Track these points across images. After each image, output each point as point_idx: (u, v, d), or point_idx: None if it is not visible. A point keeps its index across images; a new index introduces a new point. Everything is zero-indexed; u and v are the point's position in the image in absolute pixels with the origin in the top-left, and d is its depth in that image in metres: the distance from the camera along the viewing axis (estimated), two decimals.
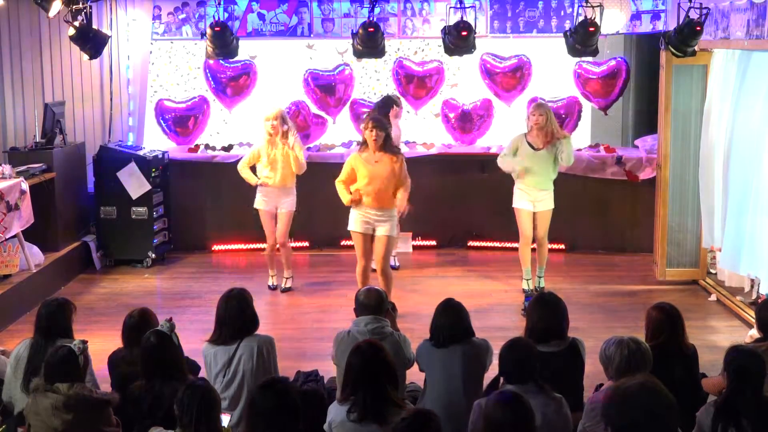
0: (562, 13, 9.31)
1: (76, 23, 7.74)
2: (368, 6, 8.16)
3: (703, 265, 8.44)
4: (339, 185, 7.30)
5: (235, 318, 4.93)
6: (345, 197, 7.22)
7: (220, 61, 9.27)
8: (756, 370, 4.07)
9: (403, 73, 9.85)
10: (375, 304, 5.05)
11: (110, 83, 9.50)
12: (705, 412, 4.11)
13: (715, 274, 8.48)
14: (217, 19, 8.16)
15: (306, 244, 9.79)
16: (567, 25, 9.03)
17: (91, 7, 7.90)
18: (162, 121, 9.90)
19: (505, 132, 9.95)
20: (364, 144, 7.26)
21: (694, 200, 8.33)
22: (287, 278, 8.42)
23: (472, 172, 9.73)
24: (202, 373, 5.09)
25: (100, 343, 5.97)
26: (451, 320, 4.88)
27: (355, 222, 7.25)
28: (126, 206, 8.99)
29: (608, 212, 9.66)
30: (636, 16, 9.18)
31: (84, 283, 8.66)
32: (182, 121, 9.90)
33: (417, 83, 9.85)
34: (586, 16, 7.78)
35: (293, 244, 9.71)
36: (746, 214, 7.52)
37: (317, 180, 9.64)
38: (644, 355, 4.32)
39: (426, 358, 4.91)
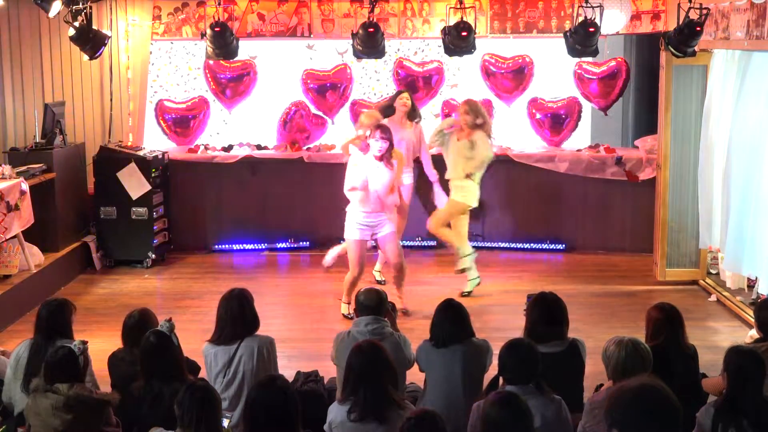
0: (562, 13, 9.31)
1: (76, 23, 7.75)
2: (368, 6, 8.16)
3: (703, 266, 8.44)
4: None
5: (236, 318, 4.94)
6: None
7: (221, 61, 9.27)
8: (756, 371, 4.07)
9: (404, 73, 9.85)
10: (375, 305, 5.05)
11: (110, 83, 9.50)
12: (705, 412, 4.11)
13: (716, 274, 8.48)
14: (217, 19, 8.17)
15: (306, 244, 9.79)
16: (567, 26, 9.04)
17: (91, 7, 7.91)
18: (162, 121, 9.90)
19: (505, 132, 9.97)
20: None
21: (694, 200, 8.33)
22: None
23: None
24: (203, 374, 5.10)
25: (100, 343, 5.96)
26: (451, 320, 4.88)
27: (353, 230, 7.27)
28: (126, 206, 8.98)
29: (608, 212, 9.66)
30: (636, 16, 9.18)
31: (84, 283, 8.66)
32: (182, 121, 9.90)
33: (417, 84, 9.84)
34: (586, 17, 7.79)
35: (293, 245, 9.74)
36: (748, 215, 7.52)
37: (317, 180, 9.67)
38: (642, 356, 4.32)
39: (426, 358, 4.91)
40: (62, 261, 8.54)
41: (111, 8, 9.30)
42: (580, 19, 7.85)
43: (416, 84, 9.85)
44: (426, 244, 9.77)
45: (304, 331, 7.29)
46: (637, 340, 4.38)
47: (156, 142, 9.81)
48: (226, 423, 4.19)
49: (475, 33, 8.03)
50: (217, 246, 9.73)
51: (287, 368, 5.53)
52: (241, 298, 5.01)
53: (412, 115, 8.29)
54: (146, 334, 4.65)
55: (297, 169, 9.58)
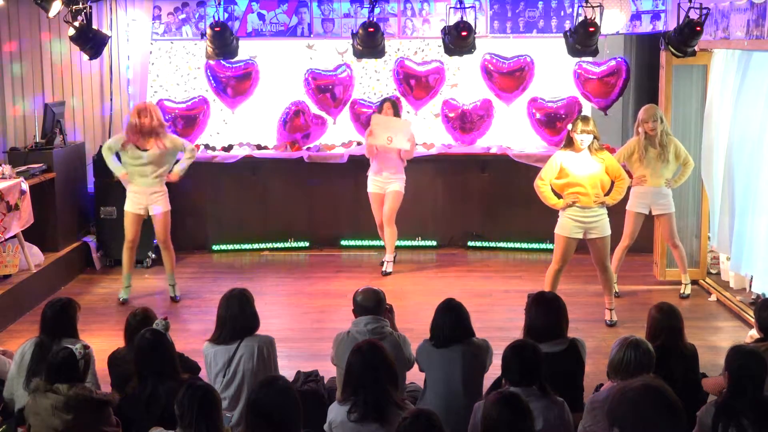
0: (562, 13, 9.31)
1: (76, 23, 7.76)
2: (368, 6, 8.16)
3: (703, 265, 8.44)
4: None
5: (236, 318, 4.94)
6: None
7: (222, 61, 9.27)
8: (756, 370, 4.08)
9: (404, 73, 9.85)
10: (374, 305, 5.04)
11: (110, 83, 9.50)
12: (706, 411, 4.12)
13: (717, 274, 8.48)
14: (217, 19, 8.17)
15: (306, 244, 9.79)
16: (567, 25, 9.04)
17: (91, 7, 7.91)
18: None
19: (505, 132, 9.98)
20: None
21: (694, 200, 8.33)
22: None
23: (472, 172, 9.74)
24: (203, 374, 5.10)
25: (100, 343, 5.98)
26: (451, 320, 4.88)
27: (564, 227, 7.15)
28: None
29: (608, 212, 9.63)
30: (636, 16, 9.18)
31: (84, 283, 8.66)
32: (182, 121, 9.88)
33: (418, 83, 9.84)
34: (586, 16, 7.79)
35: (294, 244, 9.74)
36: (748, 215, 7.53)
37: (317, 180, 9.68)
38: (644, 357, 4.31)
39: (426, 358, 4.90)
40: (62, 261, 8.53)
41: (111, 8, 9.30)
42: (580, 19, 7.86)
43: (414, 83, 9.84)
44: (425, 244, 9.77)
45: (304, 331, 7.29)
46: (640, 340, 4.39)
47: None
48: (226, 423, 4.19)
49: (475, 33, 8.03)
50: (217, 246, 9.73)
51: (287, 368, 5.54)
52: (242, 297, 5.01)
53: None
54: (141, 331, 4.66)
55: (297, 169, 9.58)
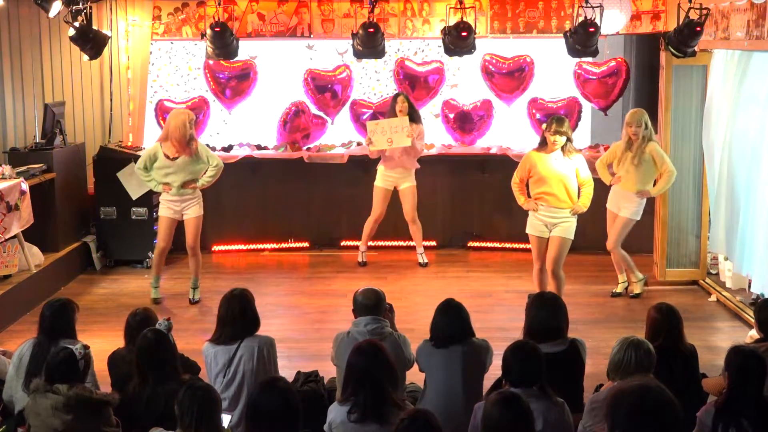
0: (562, 13, 9.31)
1: (76, 23, 7.76)
2: (368, 6, 8.16)
3: (703, 266, 8.45)
4: None
5: (237, 318, 4.94)
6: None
7: (221, 61, 9.27)
8: (756, 371, 4.08)
9: (404, 73, 9.84)
10: (374, 304, 5.04)
11: (110, 83, 9.50)
12: (706, 411, 4.12)
13: (716, 274, 8.49)
14: (216, 19, 8.17)
15: (306, 244, 9.79)
16: (567, 26, 9.04)
17: (91, 7, 7.91)
18: (162, 122, 9.88)
19: (505, 132, 9.98)
20: None
21: (694, 200, 8.34)
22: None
23: (472, 172, 9.74)
24: (203, 374, 5.10)
25: (100, 343, 5.98)
26: (451, 320, 4.88)
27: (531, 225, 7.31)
28: (126, 206, 8.99)
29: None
30: (636, 17, 9.18)
31: (84, 283, 8.66)
32: None
33: (418, 83, 9.84)
34: (586, 17, 7.79)
35: (294, 245, 9.75)
36: (748, 215, 7.53)
37: (317, 180, 9.68)
38: (645, 357, 4.31)
39: (426, 358, 4.90)
40: (62, 261, 8.53)
41: (111, 8, 9.30)
42: (580, 19, 7.86)
43: (416, 84, 9.85)
44: (425, 244, 9.75)
45: (304, 331, 7.29)
46: (641, 341, 4.39)
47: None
48: (226, 423, 4.18)
49: (475, 33, 8.04)
50: (217, 246, 9.72)
51: (287, 368, 5.54)
52: (242, 298, 5.01)
53: (413, 117, 8.76)
54: (143, 331, 4.67)
55: (297, 169, 9.58)
